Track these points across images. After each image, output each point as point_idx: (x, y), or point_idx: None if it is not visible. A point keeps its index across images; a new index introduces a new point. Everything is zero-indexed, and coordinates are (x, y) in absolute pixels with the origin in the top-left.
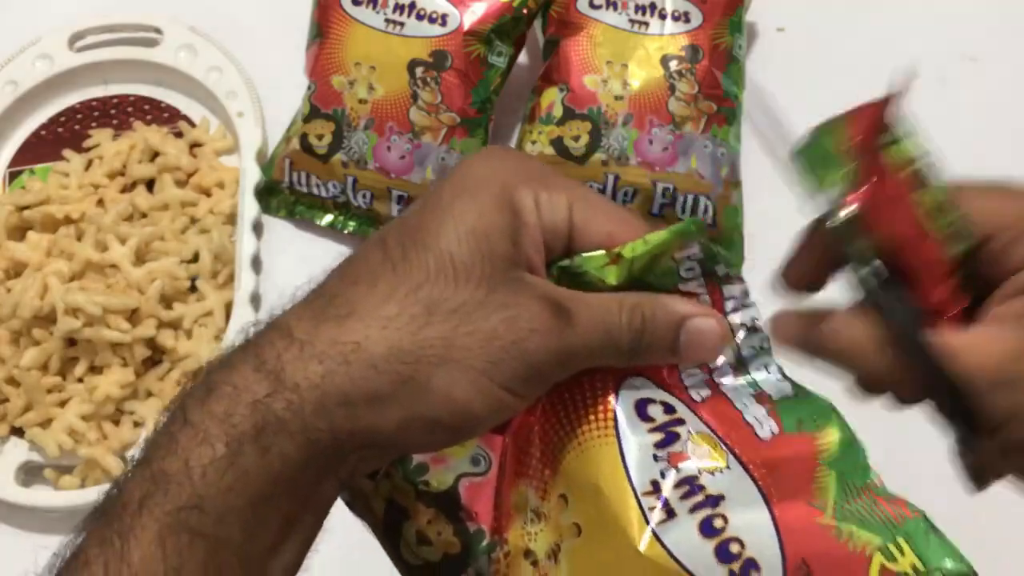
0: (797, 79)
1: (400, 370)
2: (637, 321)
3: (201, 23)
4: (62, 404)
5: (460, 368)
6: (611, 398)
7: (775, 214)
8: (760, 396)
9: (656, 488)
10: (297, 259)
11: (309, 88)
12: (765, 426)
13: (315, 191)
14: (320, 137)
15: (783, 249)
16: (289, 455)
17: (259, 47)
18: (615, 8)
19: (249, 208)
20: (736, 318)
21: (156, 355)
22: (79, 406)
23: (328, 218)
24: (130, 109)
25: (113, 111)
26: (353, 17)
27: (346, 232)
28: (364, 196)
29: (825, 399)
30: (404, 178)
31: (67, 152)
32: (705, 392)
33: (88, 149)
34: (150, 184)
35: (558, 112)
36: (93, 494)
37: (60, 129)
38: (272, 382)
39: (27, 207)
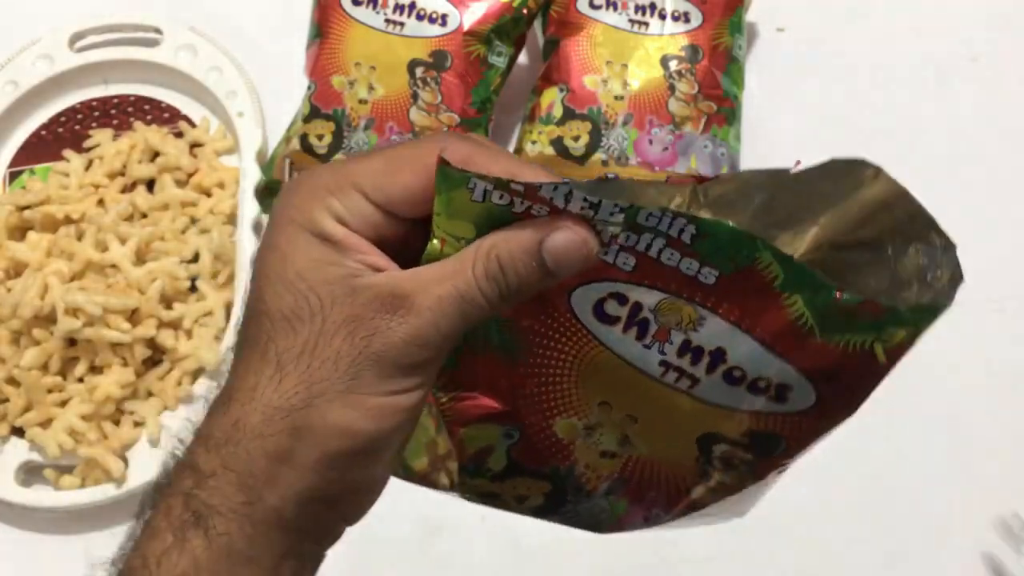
0: (797, 79)
1: (281, 427)
2: (494, 267)
3: (201, 23)
4: (62, 404)
5: (327, 399)
6: (572, 318)
7: None
8: (674, 244)
9: (667, 366)
10: None
11: (309, 88)
12: (704, 272)
13: None
14: (320, 137)
15: None
16: (232, 534)
17: (259, 47)
18: (615, 8)
19: (249, 208)
20: (575, 205)
21: (156, 355)
22: (79, 406)
23: None
24: (130, 109)
25: (113, 111)
26: (353, 17)
27: None
28: None
29: (731, 226)
30: None
31: (67, 152)
32: (632, 260)
33: (88, 149)
34: (150, 184)
35: (558, 112)
36: (93, 494)
37: (60, 129)
38: (193, 475)
39: (27, 207)
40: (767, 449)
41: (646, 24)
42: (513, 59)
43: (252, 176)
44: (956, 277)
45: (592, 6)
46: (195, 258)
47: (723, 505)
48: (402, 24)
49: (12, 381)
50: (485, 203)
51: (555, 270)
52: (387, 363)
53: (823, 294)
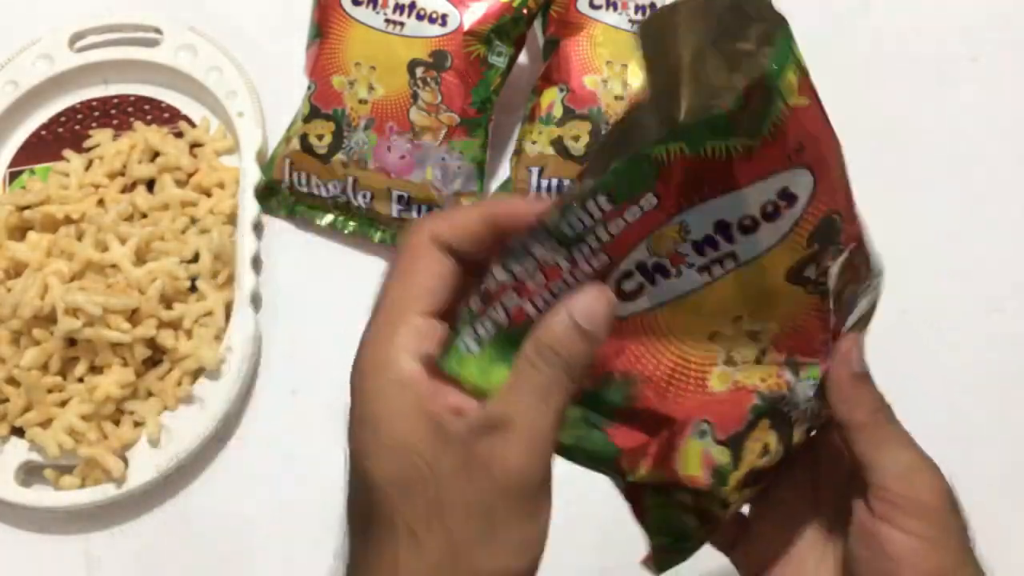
0: None
1: None
2: (549, 355)
3: (201, 24)
4: (62, 404)
5: (474, 553)
6: (624, 322)
7: None
8: (608, 216)
9: (707, 268)
10: (297, 259)
11: (309, 88)
12: (643, 203)
13: (315, 191)
14: (320, 137)
15: None
16: None
17: (259, 47)
18: (615, 8)
19: (249, 208)
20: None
21: (156, 355)
22: (79, 406)
23: (328, 218)
24: (130, 109)
25: (113, 111)
26: (353, 17)
27: (346, 232)
28: (364, 196)
29: (614, 168)
30: (404, 178)
31: (67, 152)
32: (602, 255)
33: (88, 149)
34: (150, 184)
35: (558, 112)
36: (93, 494)
37: (60, 129)
38: None
39: (27, 207)
40: (828, 235)
41: None
42: (513, 59)
43: (252, 176)
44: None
45: (592, 6)
46: (195, 258)
47: (867, 294)
48: (402, 24)
49: (12, 381)
50: (484, 349)
51: (594, 329)
52: (513, 488)
53: (714, 132)
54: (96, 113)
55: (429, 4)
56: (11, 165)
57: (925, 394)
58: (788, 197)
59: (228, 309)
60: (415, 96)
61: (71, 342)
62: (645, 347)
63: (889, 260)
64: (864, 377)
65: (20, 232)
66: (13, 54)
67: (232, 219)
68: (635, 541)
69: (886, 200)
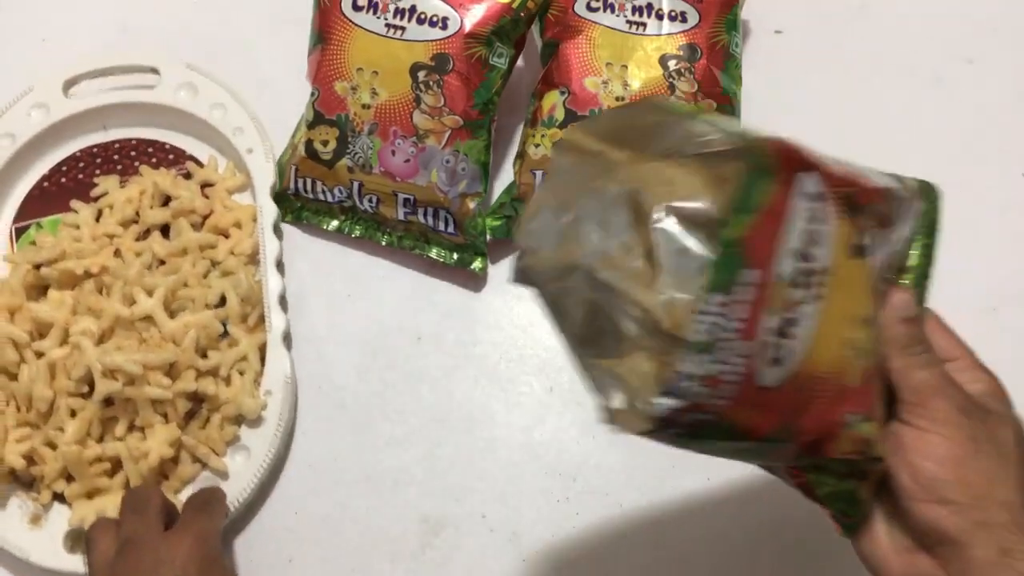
0: (795, 81)
1: None
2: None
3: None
4: (107, 473)
5: None
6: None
7: None
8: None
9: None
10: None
11: (312, 94)
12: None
13: (321, 196)
14: (325, 143)
15: None
16: None
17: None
18: (612, 10)
19: (271, 247)
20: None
21: (195, 406)
22: (133, 476)
23: (334, 223)
24: (133, 153)
25: (116, 156)
26: (354, 23)
27: (353, 236)
28: (370, 200)
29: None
30: (409, 181)
31: (75, 203)
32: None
33: (96, 198)
34: (164, 229)
35: (560, 115)
36: None
37: (63, 179)
38: None
39: (43, 264)
40: (850, 205)
41: (644, 25)
42: (513, 60)
43: (269, 213)
44: None
45: (590, 8)
46: (221, 301)
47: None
48: (403, 28)
49: (49, 444)
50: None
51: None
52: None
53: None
54: (98, 160)
55: (429, 8)
56: (16, 220)
57: None
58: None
59: (262, 352)
60: (418, 100)
61: (108, 402)
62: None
63: None
64: (910, 320)
65: (37, 290)
66: (6, 105)
67: (253, 258)
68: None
69: None
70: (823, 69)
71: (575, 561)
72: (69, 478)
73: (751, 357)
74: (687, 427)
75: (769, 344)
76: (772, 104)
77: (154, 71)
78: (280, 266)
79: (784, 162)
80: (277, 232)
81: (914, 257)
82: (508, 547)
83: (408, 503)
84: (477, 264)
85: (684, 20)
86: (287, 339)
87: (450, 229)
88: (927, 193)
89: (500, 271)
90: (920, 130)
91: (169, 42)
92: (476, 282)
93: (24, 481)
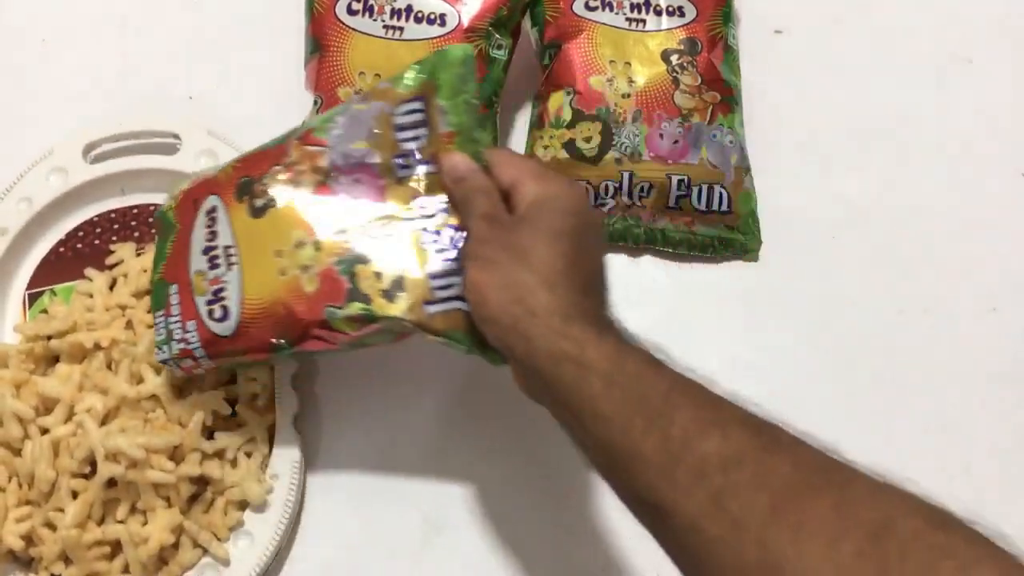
0: (795, 81)
1: None
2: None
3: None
4: (107, 557)
5: None
6: None
7: (781, 196)
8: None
9: None
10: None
11: (316, 103)
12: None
13: None
14: None
15: (794, 227)
16: None
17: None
18: (611, 8)
19: None
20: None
21: (199, 488)
22: (133, 563)
23: None
24: (151, 220)
25: (133, 222)
26: (351, 27)
27: None
28: None
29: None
30: None
31: (90, 271)
32: None
33: (111, 266)
34: None
35: (567, 115)
36: None
37: (79, 245)
38: None
39: (53, 336)
40: None
41: (643, 21)
42: (511, 51)
43: None
44: None
45: (588, 7)
46: (231, 378)
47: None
48: (401, 29)
49: (48, 525)
50: None
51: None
52: None
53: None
54: (115, 225)
55: (426, 6)
56: (30, 286)
57: (923, 393)
58: None
59: (271, 434)
60: None
61: (110, 483)
62: None
63: (887, 260)
64: (458, 180)
65: (47, 361)
66: (25, 169)
67: None
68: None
69: (884, 200)
70: (823, 69)
71: (575, 563)
72: (68, 560)
73: (199, 325)
74: (202, 359)
75: (207, 311)
76: (772, 104)
77: (175, 137)
78: None
79: (184, 207)
80: None
81: (454, 122)
82: (508, 549)
83: (408, 504)
84: None
85: (682, 15)
86: (298, 421)
87: None
88: (438, 66)
89: None
90: (920, 130)
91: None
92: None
93: (23, 561)
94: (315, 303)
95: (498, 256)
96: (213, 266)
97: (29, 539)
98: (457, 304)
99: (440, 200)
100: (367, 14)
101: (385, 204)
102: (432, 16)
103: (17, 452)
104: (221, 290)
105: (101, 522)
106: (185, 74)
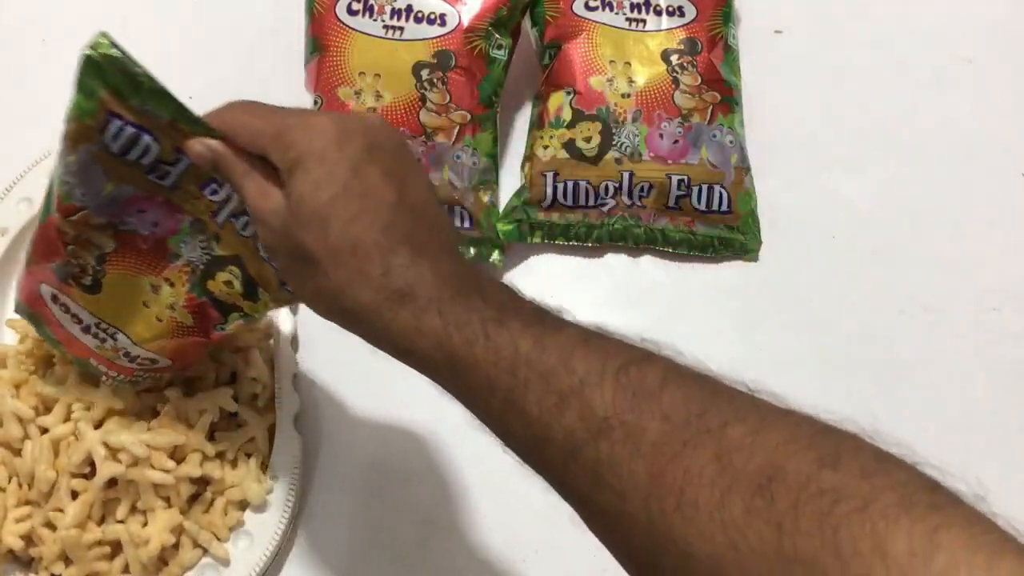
0: (795, 81)
1: None
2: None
3: None
4: (107, 557)
5: None
6: None
7: (781, 196)
8: None
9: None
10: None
11: (316, 103)
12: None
13: None
14: None
15: (794, 227)
16: None
17: None
18: (611, 8)
19: (286, 322)
20: None
21: (199, 488)
22: (133, 563)
23: None
24: None
25: None
26: (351, 27)
27: None
28: None
29: None
30: None
31: None
32: None
33: None
34: None
35: (567, 115)
36: None
37: None
38: None
39: None
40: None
41: (643, 21)
42: (511, 51)
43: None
44: None
45: (588, 7)
46: (232, 378)
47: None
48: (401, 28)
49: (48, 525)
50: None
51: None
52: None
53: None
54: None
55: (426, 5)
56: None
57: (923, 393)
58: None
59: (271, 434)
60: (423, 98)
61: (111, 482)
62: None
63: (888, 260)
64: (202, 159)
65: (46, 361)
66: (25, 169)
67: (267, 335)
68: None
69: (884, 200)
70: (823, 69)
71: (575, 563)
72: (68, 560)
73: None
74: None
75: (135, 365)
76: (772, 104)
77: None
78: (295, 342)
79: (33, 301)
80: (292, 308)
81: (161, 110)
82: (508, 548)
83: (408, 504)
84: (496, 256)
85: (682, 15)
86: (298, 421)
87: (466, 224)
88: (92, 75)
89: (514, 276)
90: (920, 130)
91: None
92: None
93: (23, 561)
94: (202, 327)
95: (289, 264)
96: (102, 340)
97: (29, 539)
98: None
99: (218, 183)
100: (367, 14)
101: (184, 213)
102: (432, 16)
103: (17, 452)
104: (127, 352)
105: (101, 522)
106: (185, 74)
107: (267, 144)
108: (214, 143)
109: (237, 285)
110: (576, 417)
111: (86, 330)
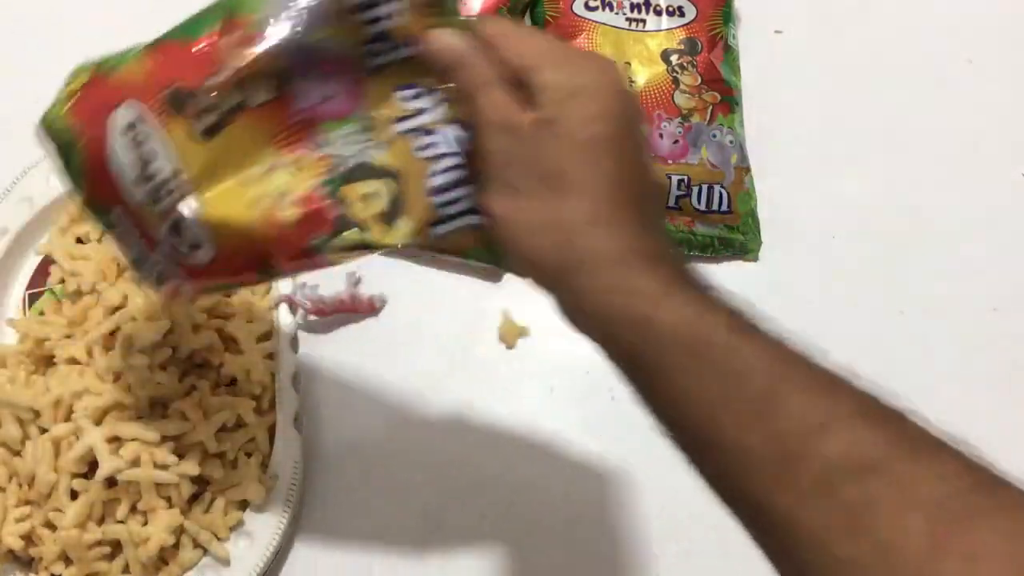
0: (795, 81)
1: None
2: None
3: None
4: (107, 557)
5: None
6: None
7: (781, 196)
8: None
9: None
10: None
11: None
12: None
13: None
14: None
15: (794, 227)
16: None
17: None
18: (611, 8)
19: (285, 323)
20: None
21: (200, 488)
22: (133, 564)
23: None
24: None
25: None
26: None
27: None
28: None
29: None
30: None
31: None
32: None
33: None
34: None
35: None
36: None
37: None
38: None
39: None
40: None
41: (643, 21)
42: None
43: (283, 290)
44: None
45: (588, 7)
46: (232, 380)
47: None
48: None
49: (48, 525)
50: None
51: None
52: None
53: None
54: None
55: None
56: (30, 286)
57: (923, 393)
58: None
59: (271, 434)
60: None
61: (111, 481)
62: None
63: (888, 260)
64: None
65: (46, 361)
66: (25, 169)
67: (267, 336)
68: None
69: (884, 200)
70: (823, 69)
71: (576, 558)
72: (68, 560)
73: (168, 255)
74: (182, 280)
75: (173, 242)
76: (772, 104)
77: None
78: (295, 342)
79: (85, 120)
80: (292, 309)
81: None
82: (508, 548)
83: (408, 502)
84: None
85: (682, 15)
86: (298, 421)
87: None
88: None
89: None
90: (920, 130)
91: None
92: (494, 276)
93: (23, 561)
94: (298, 234)
95: (525, 182)
96: (157, 200)
97: (29, 539)
98: (469, 219)
99: (429, 91)
100: None
101: (364, 104)
102: None
103: (16, 452)
104: (178, 223)
105: (101, 522)
106: None
107: (544, 62)
108: (462, 42)
109: (379, 203)
110: (839, 444)
111: (147, 180)
